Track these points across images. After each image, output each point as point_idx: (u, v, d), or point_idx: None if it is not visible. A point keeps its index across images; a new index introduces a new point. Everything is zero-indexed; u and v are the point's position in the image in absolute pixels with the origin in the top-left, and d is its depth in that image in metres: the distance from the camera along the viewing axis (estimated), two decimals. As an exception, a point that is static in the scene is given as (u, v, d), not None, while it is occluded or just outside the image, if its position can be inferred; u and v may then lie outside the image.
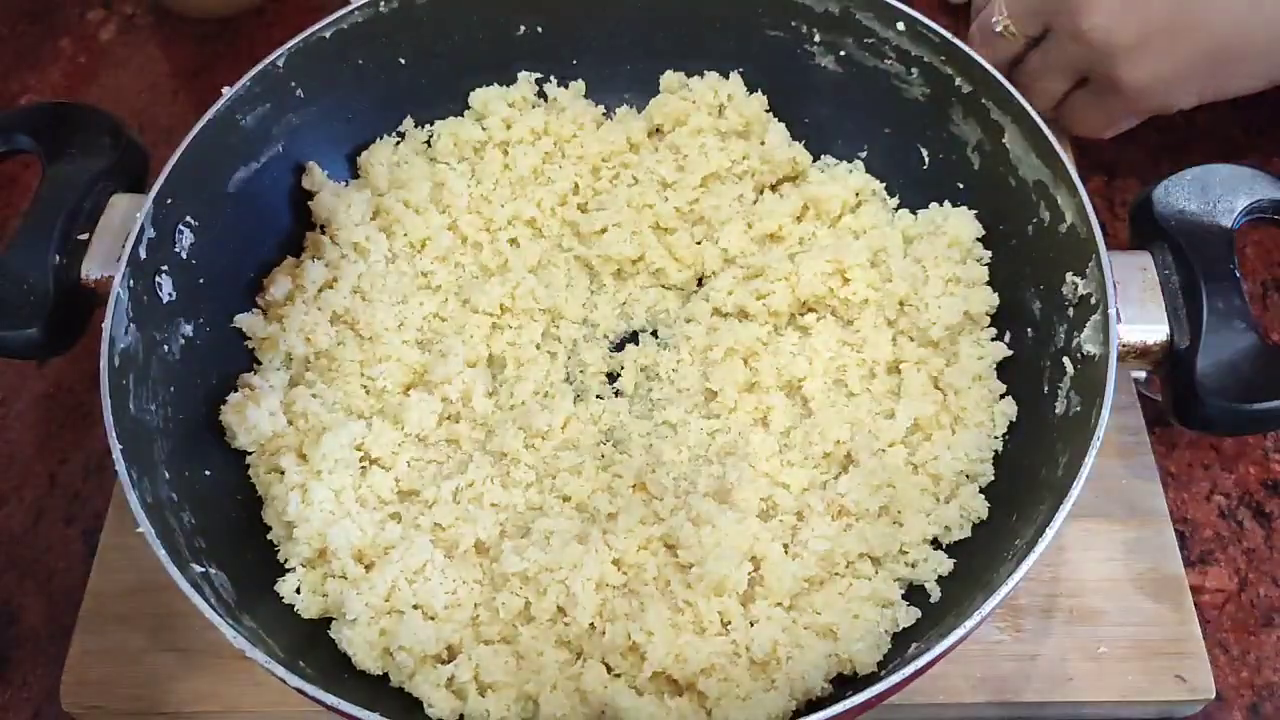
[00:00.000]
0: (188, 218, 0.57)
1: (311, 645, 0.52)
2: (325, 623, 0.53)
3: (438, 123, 0.67)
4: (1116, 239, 0.65)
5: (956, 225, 0.61)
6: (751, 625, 0.51)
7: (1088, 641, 0.56)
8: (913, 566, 0.54)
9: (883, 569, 0.54)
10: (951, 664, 0.54)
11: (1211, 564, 0.61)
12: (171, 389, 0.55)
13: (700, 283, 0.65)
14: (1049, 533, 0.46)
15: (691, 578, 0.52)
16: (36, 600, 0.61)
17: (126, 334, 0.53)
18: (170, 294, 0.56)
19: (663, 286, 0.65)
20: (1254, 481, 0.64)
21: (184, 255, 0.57)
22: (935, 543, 0.55)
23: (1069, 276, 0.55)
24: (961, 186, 0.62)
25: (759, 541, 0.53)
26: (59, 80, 0.84)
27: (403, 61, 0.66)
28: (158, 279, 0.56)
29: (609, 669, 0.51)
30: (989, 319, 0.60)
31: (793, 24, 0.65)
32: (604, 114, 0.69)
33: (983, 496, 0.56)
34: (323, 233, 0.64)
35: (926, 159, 0.64)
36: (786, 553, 0.54)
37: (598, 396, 0.61)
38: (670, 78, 0.68)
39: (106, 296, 0.53)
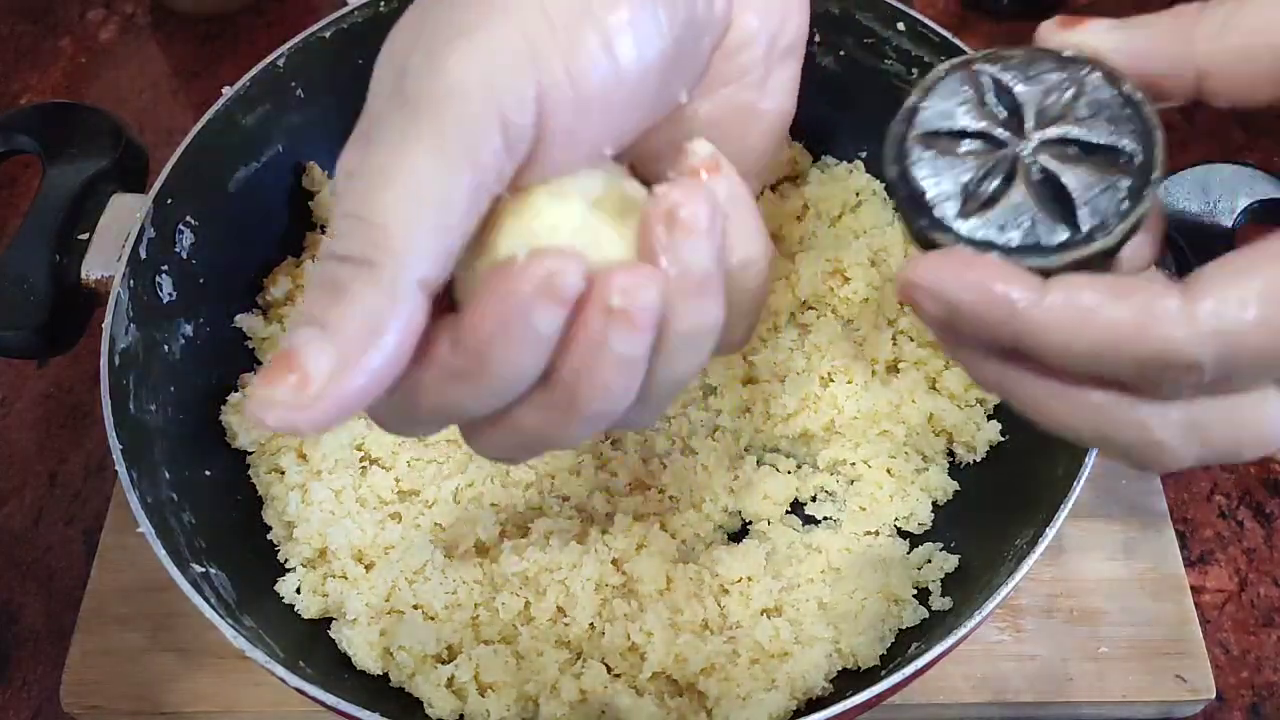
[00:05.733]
0: (188, 218, 0.57)
1: (311, 645, 0.52)
2: (325, 623, 0.53)
3: (438, 123, 0.67)
4: (1116, 239, 0.65)
5: (956, 225, 0.61)
6: (753, 623, 0.51)
7: (1088, 641, 0.56)
8: (918, 569, 0.54)
9: (895, 566, 0.54)
10: (951, 664, 0.54)
11: (1211, 564, 0.61)
12: (171, 389, 0.55)
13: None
14: (1049, 533, 0.46)
15: (691, 574, 0.52)
16: (36, 600, 0.61)
17: (126, 334, 0.53)
18: (170, 294, 0.56)
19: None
20: (1254, 481, 0.64)
21: (184, 255, 0.57)
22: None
23: (1069, 276, 0.55)
24: (961, 186, 0.62)
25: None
26: (59, 80, 0.84)
27: (403, 61, 0.66)
28: (158, 279, 0.56)
29: (609, 669, 0.51)
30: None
31: (793, 24, 0.65)
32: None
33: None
34: (323, 233, 0.64)
35: (926, 159, 0.64)
36: (788, 549, 0.54)
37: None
38: (670, 78, 0.68)
39: (106, 296, 0.53)
